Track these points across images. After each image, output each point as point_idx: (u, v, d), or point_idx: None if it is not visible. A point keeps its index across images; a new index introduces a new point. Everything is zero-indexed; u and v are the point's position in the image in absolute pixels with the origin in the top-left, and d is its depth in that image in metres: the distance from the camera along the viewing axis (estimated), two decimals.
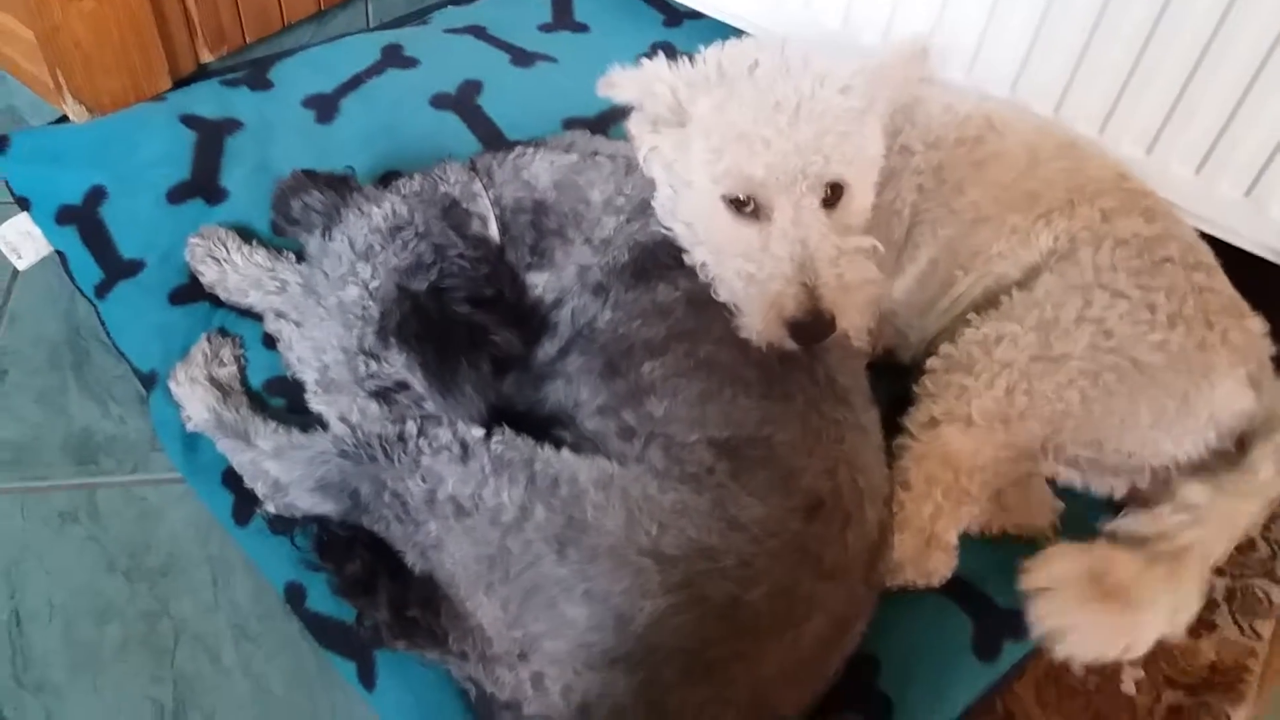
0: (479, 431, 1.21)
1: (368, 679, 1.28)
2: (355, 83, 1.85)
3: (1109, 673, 1.39)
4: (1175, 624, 1.22)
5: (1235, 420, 1.37)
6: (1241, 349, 1.37)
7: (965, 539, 1.38)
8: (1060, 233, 1.41)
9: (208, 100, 1.81)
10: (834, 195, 1.24)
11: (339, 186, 1.37)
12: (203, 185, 1.69)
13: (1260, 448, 1.35)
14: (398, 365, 1.28)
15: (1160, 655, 1.41)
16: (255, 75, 1.87)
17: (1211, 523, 1.27)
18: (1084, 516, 1.44)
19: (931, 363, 1.41)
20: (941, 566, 1.35)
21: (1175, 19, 1.46)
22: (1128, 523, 1.30)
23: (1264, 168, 1.50)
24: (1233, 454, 1.38)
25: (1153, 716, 1.35)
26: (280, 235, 1.50)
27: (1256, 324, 1.40)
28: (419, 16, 2.13)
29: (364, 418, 1.29)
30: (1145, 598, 1.22)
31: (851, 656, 1.23)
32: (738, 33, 1.55)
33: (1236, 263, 1.49)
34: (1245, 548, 1.52)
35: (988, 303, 1.42)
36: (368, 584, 1.24)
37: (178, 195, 1.67)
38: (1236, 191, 1.54)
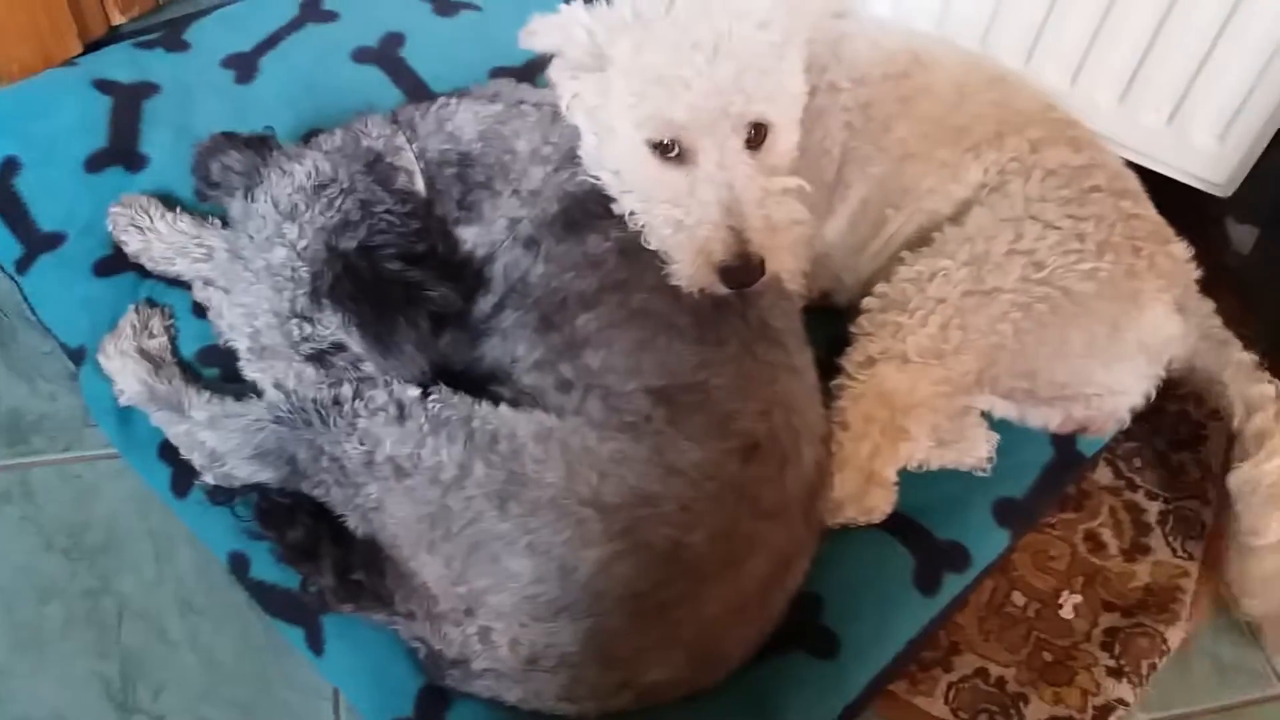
0: (415, 391, 1.20)
1: (316, 644, 1.28)
2: (274, 40, 1.80)
3: (1048, 599, 1.42)
4: None
5: (1164, 345, 1.40)
6: (1168, 274, 1.40)
7: (904, 475, 1.40)
8: (989, 165, 1.42)
9: (122, 64, 1.75)
10: (758, 135, 1.23)
11: (258, 147, 1.34)
12: (122, 152, 1.64)
13: (1229, 372, 1.40)
14: (332, 327, 1.26)
15: (1097, 579, 1.45)
16: (170, 36, 1.81)
17: None
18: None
19: (867, 302, 1.42)
20: (881, 503, 1.37)
21: None
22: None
23: (1184, 95, 1.52)
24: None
25: (1090, 639, 1.39)
26: (204, 201, 1.46)
27: (1180, 249, 1.43)
28: None
29: (300, 382, 1.28)
30: None
31: (796, 595, 1.26)
32: None
33: (1160, 189, 1.52)
34: (1177, 470, 1.56)
35: (921, 240, 1.43)
36: (311, 549, 1.23)
37: (96, 163, 1.62)
38: (1159, 119, 1.56)
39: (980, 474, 1.44)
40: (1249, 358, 1.41)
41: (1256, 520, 1.32)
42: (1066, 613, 1.42)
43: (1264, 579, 1.35)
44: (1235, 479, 1.35)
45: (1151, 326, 1.38)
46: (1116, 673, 1.36)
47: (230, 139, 1.35)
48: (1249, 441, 1.36)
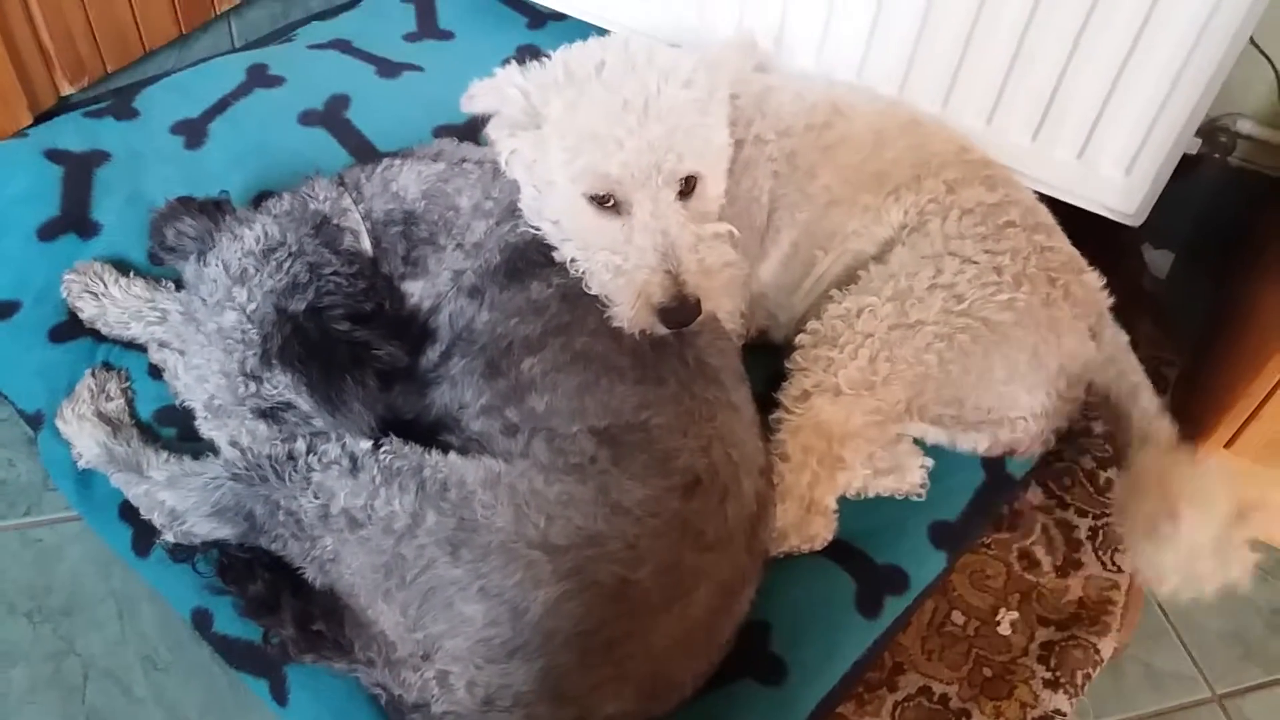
0: (367, 444, 1.24)
1: (280, 695, 1.31)
2: (222, 106, 1.84)
3: (986, 617, 1.48)
4: None
5: (1082, 369, 1.48)
6: (1083, 302, 1.47)
7: (843, 503, 1.46)
8: (909, 207, 1.49)
9: (72, 133, 1.78)
10: (688, 186, 1.31)
11: (212, 211, 1.38)
12: (74, 220, 1.67)
13: (1137, 412, 1.46)
14: (280, 386, 1.30)
15: (1032, 595, 1.51)
16: (120, 105, 1.85)
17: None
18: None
19: (800, 339, 1.48)
20: (823, 530, 1.43)
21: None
22: None
23: (1091, 131, 1.60)
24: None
25: (1028, 654, 1.45)
26: (158, 264, 1.50)
27: (1093, 278, 1.51)
28: (283, 34, 2.12)
29: (253, 439, 1.31)
30: None
31: (743, 624, 1.30)
32: (601, 32, 1.60)
33: (1078, 220, 1.60)
34: (1104, 488, 1.63)
35: (848, 278, 1.50)
36: (271, 602, 1.26)
37: (49, 232, 1.65)
38: (1070, 155, 1.65)
39: (916, 499, 1.50)
40: (1156, 401, 1.47)
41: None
42: (1004, 629, 1.47)
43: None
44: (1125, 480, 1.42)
45: (1069, 352, 1.46)
46: (1053, 684, 1.41)
47: (185, 204, 1.39)
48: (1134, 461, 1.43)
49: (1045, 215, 1.53)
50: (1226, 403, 1.53)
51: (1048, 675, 1.42)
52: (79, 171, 1.73)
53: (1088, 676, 1.43)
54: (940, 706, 1.39)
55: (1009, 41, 1.58)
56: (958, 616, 1.48)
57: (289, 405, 1.29)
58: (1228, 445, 1.54)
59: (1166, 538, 1.28)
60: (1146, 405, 1.47)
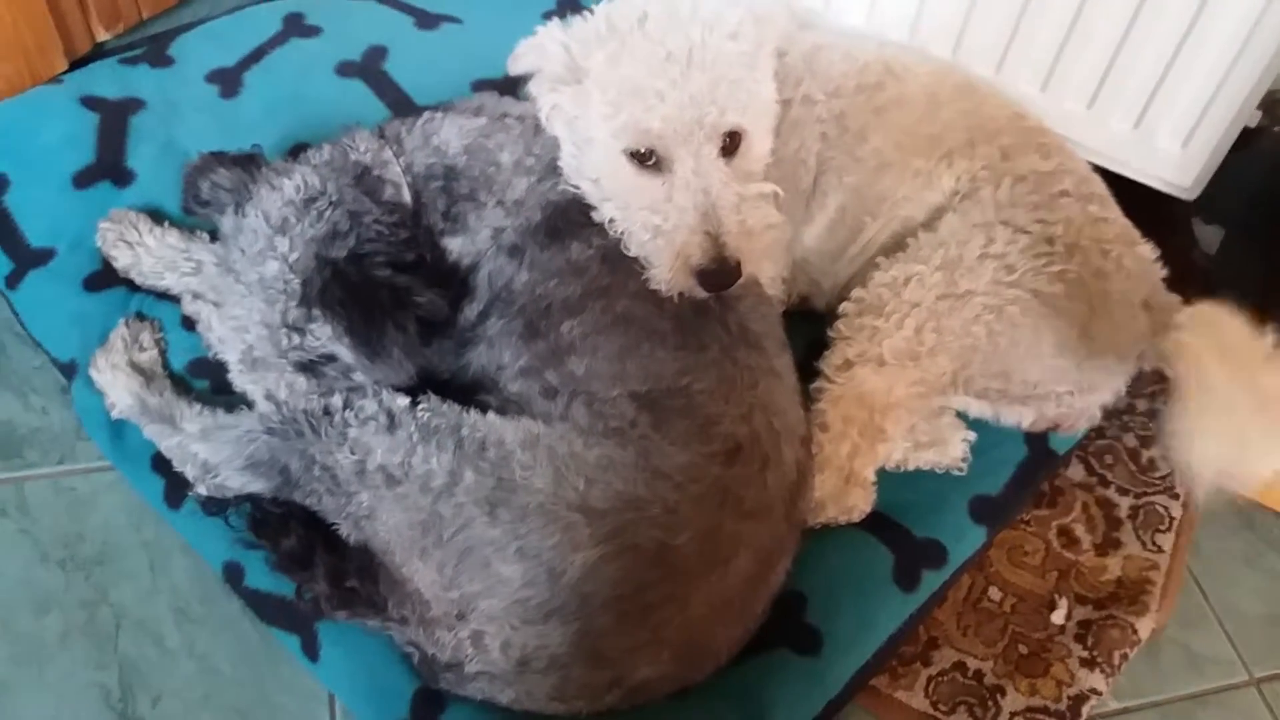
0: (405, 400, 1.22)
1: (312, 651, 1.30)
2: (258, 55, 1.82)
3: (1024, 594, 1.46)
4: None
5: (1132, 344, 1.44)
6: (1135, 275, 1.43)
7: (883, 474, 1.44)
8: (961, 173, 1.45)
9: (107, 80, 1.76)
10: (732, 143, 1.27)
11: (246, 164, 1.36)
12: (109, 168, 1.65)
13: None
14: (323, 337, 1.29)
15: (1071, 574, 1.49)
16: (155, 52, 1.83)
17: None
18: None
19: (844, 307, 1.45)
20: (861, 502, 1.41)
21: None
22: None
23: (1149, 102, 1.56)
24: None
25: (1064, 632, 1.43)
26: (192, 215, 1.48)
27: (1147, 250, 1.47)
28: None
29: (291, 393, 1.30)
30: None
31: (779, 595, 1.29)
32: None
33: (1130, 192, 1.56)
34: (1147, 468, 1.61)
35: (896, 246, 1.47)
36: (305, 558, 1.26)
37: (84, 179, 1.64)
38: (1126, 125, 1.61)
39: (956, 473, 1.48)
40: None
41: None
42: (1058, 619, 1.45)
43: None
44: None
45: (1120, 326, 1.42)
46: (1089, 663, 1.40)
47: (219, 157, 1.38)
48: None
49: (1099, 185, 1.49)
50: None
51: (1084, 654, 1.41)
52: (114, 119, 1.71)
53: (1125, 656, 1.42)
54: (975, 682, 1.38)
55: (1068, 5, 1.54)
56: (994, 593, 1.46)
57: (330, 358, 1.28)
58: None
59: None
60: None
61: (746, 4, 1.35)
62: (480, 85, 1.73)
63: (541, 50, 1.32)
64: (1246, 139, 1.74)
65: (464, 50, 1.83)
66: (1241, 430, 1.22)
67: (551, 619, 1.14)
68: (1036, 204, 1.42)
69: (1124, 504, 1.57)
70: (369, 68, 1.81)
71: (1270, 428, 1.22)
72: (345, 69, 1.81)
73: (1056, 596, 1.47)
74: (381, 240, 1.28)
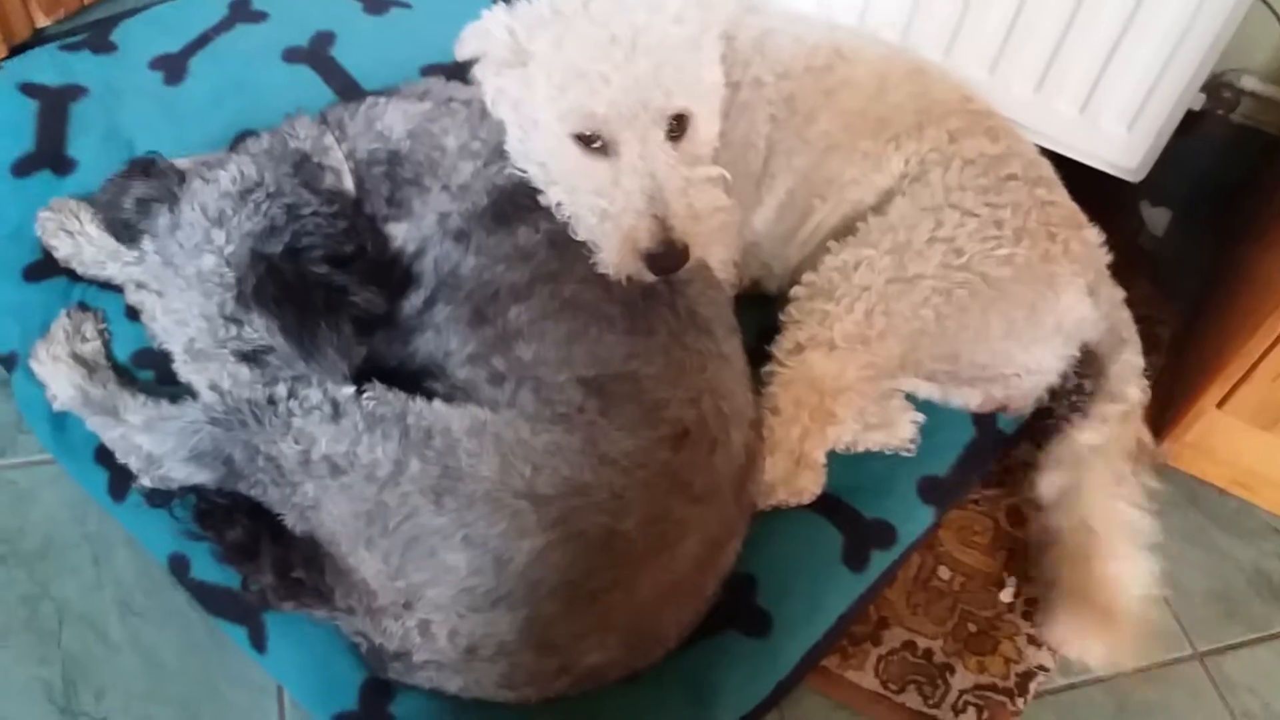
0: (350, 389, 1.21)
1: (259, 642, 1.29)
2: (203, 40, 1.80)
3: (972, 573, 1.47)
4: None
5: (1077, 326, 1.46)
6: (1081, 259, 1.45)
7: (833, 457, 1.45)
8: (910, 155, 1.46)
9: (47, 67, 1.74)
10: (679, 126, 1.27)
11: (152, 170, 1.33)
12: (49, 156, 1.63)
13: (1116, 368, 1.47)
14: (260, 330, 1.27)
15: (1021, 553, 1.50)
16: (97, 38, 1.80)
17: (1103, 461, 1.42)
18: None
19: (795, 291, 1.46)
20: (811, 485, 1.41)
21: None
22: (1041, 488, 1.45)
23: (1095, 85, 1.58)
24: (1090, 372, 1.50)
25: (1012, 610, 1.45)
26: (129, 241, 1.44)
27: (1093, 234, 1.49)
28: None
29: (235, 383, 1.28)
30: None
31: (730, 577, 1.29)
32: None
33: (1078, 175, 1.57)
34: None
35: (846, 229, 1.47)
36: (250, 549, 1.24)
37: (23, 168, 1.62)
38: (1073, 108, 1.62)
39: (905, 454, 1.49)
40: (1139, 362, 1.50)
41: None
42: (1006, 596, 1.46)
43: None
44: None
45: (1066, 309, 1.44)
46: (1037, 641, 1.41)
47: (128, 174, 1.35)
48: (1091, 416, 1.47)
49: (1047, 169, 1.50)
50: (1220, 362, 1.51)
51: (1032, 631, 1.42)
52: (54, 106, 1.69)
53: None
54: (924, 661, 1.39)
55: None
56: (944, 572, 1.47)
57: (271, 349, 1.26)
58: (1220, 405, 1.52)
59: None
60: (1128, 361, 1.48)
61: None
62: (429, 70, 1.72)
63: (486, 34, 1.31)
64: (1192, 122, 1.77)
65: (412, 35, 1.83)
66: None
67: (499, 606, 1.14)
68: (985, 187, 1.43)
69: None
70: (317, 53, 1.80)
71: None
72: (292, 55, 1.80)
73: (1005, 575, 1.48)
74: (319, 233, 1.26)
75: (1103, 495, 1.40)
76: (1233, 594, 1.56)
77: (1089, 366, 1.52)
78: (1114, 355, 1.49)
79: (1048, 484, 1.44)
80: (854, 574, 1.39)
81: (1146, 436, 1.52)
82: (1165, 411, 1.59)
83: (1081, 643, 1.35)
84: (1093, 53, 1.56)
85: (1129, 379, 1.48)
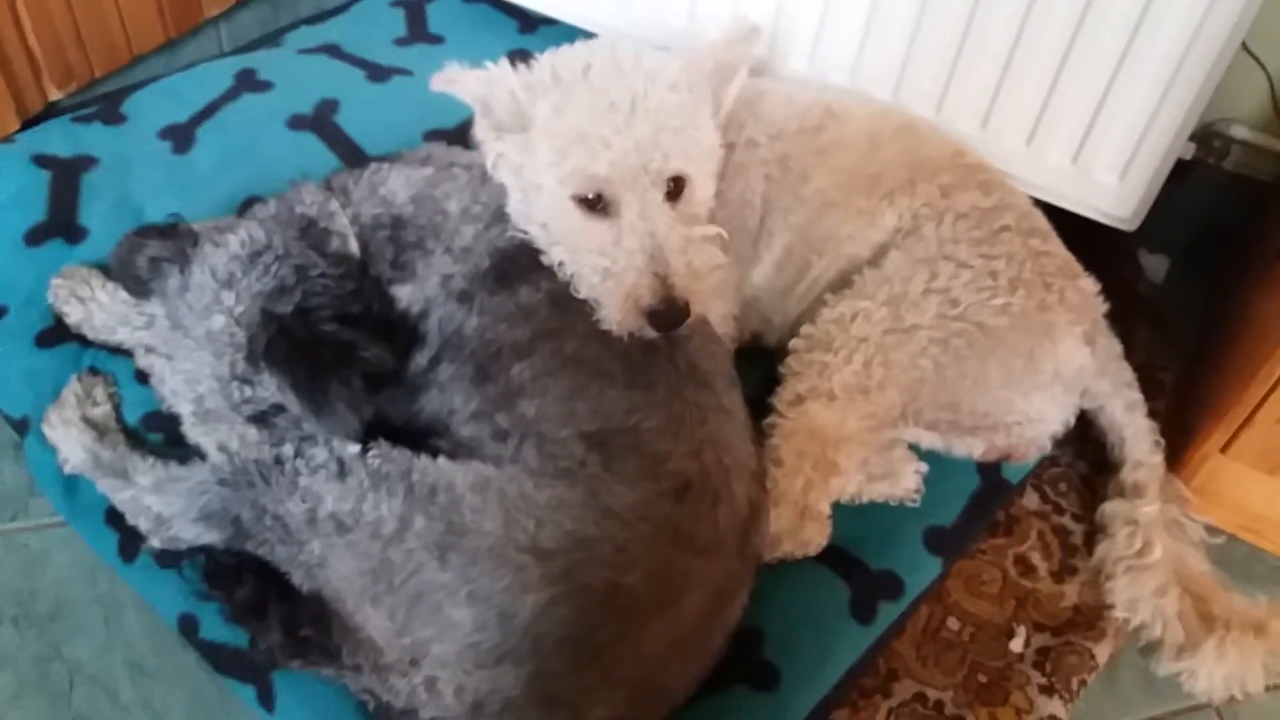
0: (355, 447, 1.23)
1: (267, 700, 1.30)
2: (210, 110, 1.83)
3: (982, 624, 1.47)
4: None
5: (1077, 374, 1.47)
6: (1078, 307, 1.47)
7: (837, 508, 1.45)
8: (904, 211, 1.49)
9: (60, 138, 1.78)
10: (677, 188, 1.30)
11: (172, 234, 1.36)
12: (61, 225, 1.66)
13: (1130, 431, 1.54)
14: (271, 388, 1.29)
15: (1029, 601, 1.50)
16: (107, 110, 1.84)
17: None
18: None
19: (794, 343, 1.48)
20: (817, 536, 1.42)
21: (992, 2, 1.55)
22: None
23: (1086, 135, 1.60)
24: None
25: (1023, 659, 1.44)
26: (141, 297, 1.47)
27: (1089, 283, 1.51)
28: (272, 39, 2.11)
29: (242, 444, 1.30)
30: None
31: (736, 629, 1.29)
32: (591, 36, 1.58)
33: (1076, 224, 1.60)
34: (1101, 493, 1.62)
35: (842, 283, 1.49)
36: (258, 608, 1.25)
37: (36, 237, 1.64)
38: (1064, 159, 1.64)
39: (910, 504, 1.49)
40: (1150, 426, 1.55)
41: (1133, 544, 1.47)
42: (1016, 646, 1.46)
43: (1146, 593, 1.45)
44: (1110, 509, 1.52)
45: (1065, 357, 1.45)
46: (1048, 690, 1.40)
47: (144, 233, 1.37)
48: (1128, 488, 1.52)
49: (1040, 220, 1.53)
50: (1223, 408, 1.52)
51: (1043, 681, 1.41)
52: (66, 177, 1.72)
53: (1083, 682, 1.42)
54: (935, 713, 1.38)
55: (1003, 46, 1.58)
56: (953, 622, 1.47)
57: (281, 408, 1.28)
58: (1224, 450, 1.53)
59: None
60: (1142, 426, 1.54)
61: (688, 54, 1.38)
62: (431, 135, 1.76)
63: (490, 88, 1.33)
64: (1186, 171, 1.80)
65: (414, 102, 1.85)
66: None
67: (504, 662, 1.14)
68: (979, 239, 1.45)
69: (1079, 531, 1.58)
70: (321, 121, 1.83)
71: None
72: (297, 122, 1.83)
73: (1015, 625, 1.47)
74: (327, 294, 1.29)
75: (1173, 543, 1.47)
76: None
77: (1094, 424, 1.56)
78: (1127, 418, 1.54)
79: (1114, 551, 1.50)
80: (862, 626, 1.38)
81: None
82: (1171, 457, 1.59)
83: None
84: (1082, 105, 1.58)
85: (1147, 445, 1.54)
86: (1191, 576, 1.45)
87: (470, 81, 1.34)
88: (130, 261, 1.36)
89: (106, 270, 1.58)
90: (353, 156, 1.77)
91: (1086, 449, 1.65)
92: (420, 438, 1.30)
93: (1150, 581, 1.44)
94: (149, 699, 1.34)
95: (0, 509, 1.49)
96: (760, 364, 1.53)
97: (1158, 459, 1.53)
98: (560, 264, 1.32)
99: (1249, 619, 1.40)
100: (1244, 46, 1.80)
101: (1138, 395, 1.55)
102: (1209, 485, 1.57)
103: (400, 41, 2.08)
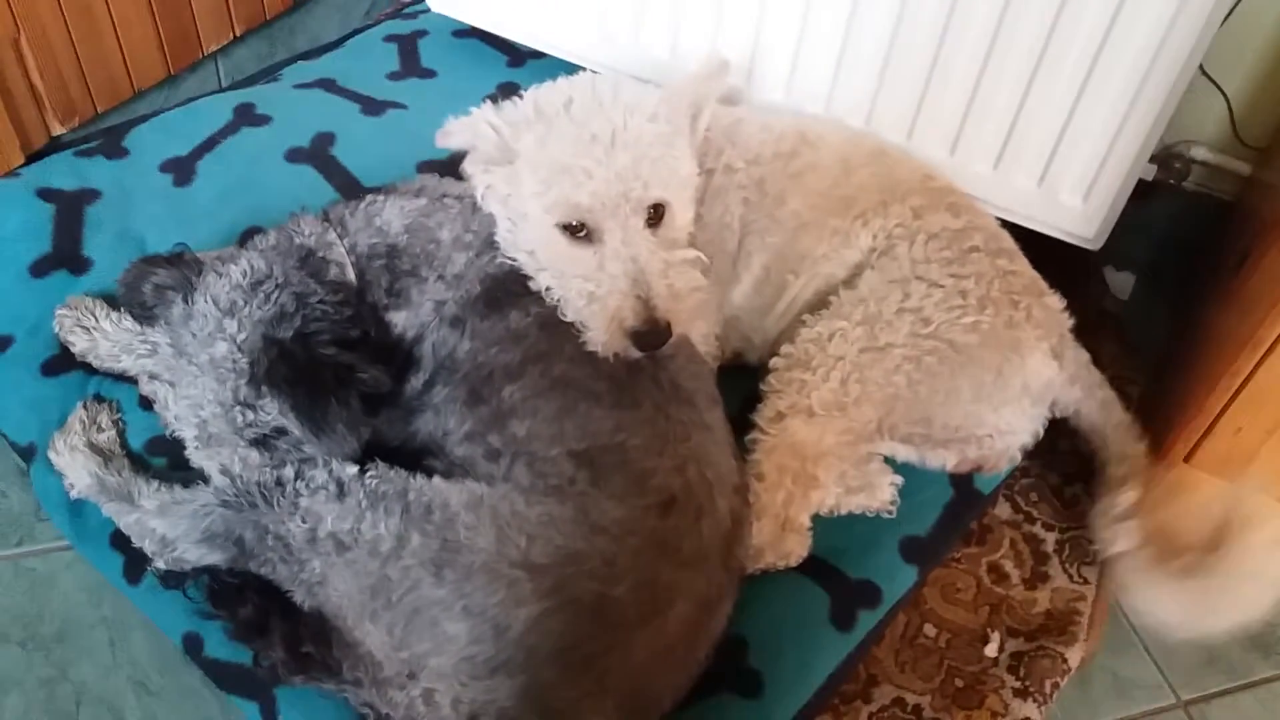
0: (353, 469, 1.28)
1: (271, 716, 1.34)
2: (210, 144, 1.89)
3: (958, 630, 1.53)
4: None
5: (1045, 388, 1.53)
6: (1044, 324, 1.53)
7: (817, 520, 1.50)
8: (877, 231, 1.55)
9: (63, 172, 1.83)
10: (657, 214, 1.37)
11: (178, 263, 1.42)
12: (65, 256, 1.71)
13: (1112, 429, 1.58)
14: (273, 412, 1.34)
15: (1002, 608, 1.56)
16: (110, 144, 1.89)
17: None
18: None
19: (774, 362, 1.54)
20: (798, 547, 1.47)
21: (959, 31, 1.62)
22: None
23: (1050, 160, 1.67)
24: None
25: (997, 664, 1.49)
26: (147, 323, 1.52)
27: (1055, 300, 1.57)
28: (269, 74, 2.17)
29: (245, 466, 1.35)
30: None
31: (721, 638, 1.34)
32: (578, 70, 1.65)
33: (1042, 244, 1.66)
34: (1070, 502, 1.69)
35: (820, 303, 1.56)
36: (261, 626, 1.30)
37: (41, 268, 1.69)
38: (1030, 183, 1.71)
39: (886, 515, 1.55)
40: (1128, 419, 1.58)
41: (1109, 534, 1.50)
42: (991, 651, 1.51)
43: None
44: (1100, 507, 1.54)
45: (1033, 371, 1.51)
46: (1023, 693, 1.46)
47: (151, 261, 1.43)
48: (1113, 483, 1.54)
49: (1008, 240, 1.59)
50: (1185, 418, 1.58)
51: (1017, 684, 1.47)
52: (70, 209, 1.77)
53: (1056, 685, 1.48)
54: (914, 717, 1.43)
55: (970, 76, 1.65)
56: (929, 629, 1.52)
57: (282, 431, 1.33)
58: (1187, 459, 1.59)
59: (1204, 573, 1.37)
60: (1119, 421, 1.57)
61: (667, 85, 1.45)
62: (424, 167, 1.81)
63: (475, 131, 1.40)
64: (1148, 191, 1.86)
65: (408, 135, 1.91)
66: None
67: (498, 674, 1.18)
68: (949, 259, 1.52)
69: (1050, 539, 1.64)
70: (318, 153, 1.89)
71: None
72: (295, 155, 1.88)
73: (989, 630, 1.53)
74: (326, 319, 1.34)
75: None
76: (1214, 643, 1.60)
77: (1075, 426, 1.61)
78: (1104, 416, 1.59)
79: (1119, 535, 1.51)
80: (842, 634, 1.44)
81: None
82: None
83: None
84: (1046, 130, 1.65)
85: (1127, 434, 1.57)
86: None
87: (459, 132, 1.41)
88: (137, 288, 1.42)
89: (111, 300, 1.63)
90: (349, 188, 1.82)
91: (1056, 460, 1.72)
92: (416, 458, 1.35)
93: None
94: (154, 717, 1.38)
95: (7, 533, 1.54)
96: (742, 382, 1.59)
97: (1141, 448, 1.56)
98: (547, 289, 1.37)
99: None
100: (1202, 71, 1.87)
101: (1111, 394, 1.60)
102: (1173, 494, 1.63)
103: (394, 76, 2.14)
